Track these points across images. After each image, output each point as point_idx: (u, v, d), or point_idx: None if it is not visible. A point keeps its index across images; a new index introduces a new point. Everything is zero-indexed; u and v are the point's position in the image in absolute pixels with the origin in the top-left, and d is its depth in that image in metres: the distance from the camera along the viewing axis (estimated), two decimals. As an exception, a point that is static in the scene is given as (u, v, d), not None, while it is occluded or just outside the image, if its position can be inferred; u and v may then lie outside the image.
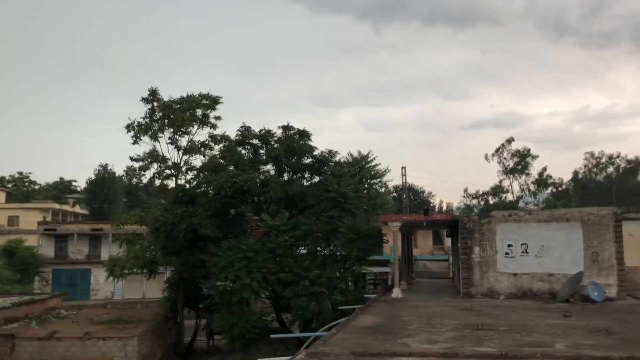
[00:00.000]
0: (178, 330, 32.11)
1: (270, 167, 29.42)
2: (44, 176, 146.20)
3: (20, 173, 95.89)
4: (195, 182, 30.54)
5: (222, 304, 25.38)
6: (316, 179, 29.70)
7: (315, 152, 29.21)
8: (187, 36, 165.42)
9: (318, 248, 26.37)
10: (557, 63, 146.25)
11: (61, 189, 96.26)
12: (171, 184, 32.50)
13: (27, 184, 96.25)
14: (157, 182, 32.98)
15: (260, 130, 29.31)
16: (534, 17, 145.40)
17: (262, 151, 29.41)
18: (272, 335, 21.02)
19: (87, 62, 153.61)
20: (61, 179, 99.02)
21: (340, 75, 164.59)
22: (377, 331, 12.93)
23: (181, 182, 32.38)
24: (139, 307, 41.74)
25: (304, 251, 26.96)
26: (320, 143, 30.21)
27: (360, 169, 34.66)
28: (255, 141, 29.35)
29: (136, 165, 32.68)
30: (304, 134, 29.24)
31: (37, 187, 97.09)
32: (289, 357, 10.44)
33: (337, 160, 30.16)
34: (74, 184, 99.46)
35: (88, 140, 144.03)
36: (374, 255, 28.25)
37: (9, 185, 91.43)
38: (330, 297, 23.84)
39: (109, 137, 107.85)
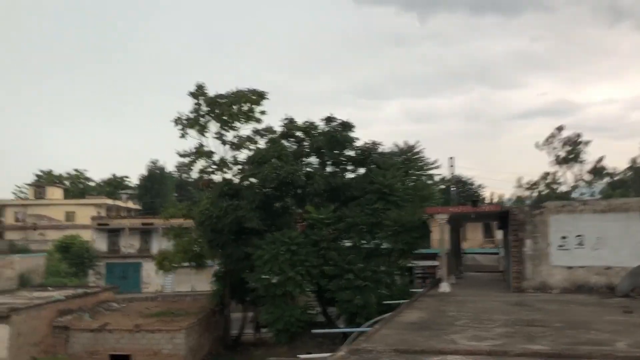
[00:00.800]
0: (225, 323, 32.39)
1: (313, 159, 29.16)
2: (98, 173, 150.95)
3: (76, 170, 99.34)
4: (240, 176, 30.60)
5: (267, 297, 25.37)
6: (360, 170, 29.26)
7: (359, 144, 28.76)
8: (231, 30, 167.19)
9: (362, 241, 25.95)
10: (612, 48, 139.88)
11: (114, 185, 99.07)
12: (217, 178, 32.70)
13: (82, 180, 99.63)
14: (204, 177, 33.24)
15: (304, 122, 29.10)
16: (587, 1, 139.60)
17: (305, 143, 29.16)
18: (313, 331, 20.78)
19: (137, 59, 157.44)
20: (114, 175, 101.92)
21: (384, 66, 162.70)
22: (422, 327, 12.44)
23: (227, 176, 32.55)
24: (188, 300, 42.38)
25: (348, 244, 26.58)
26: (364, 135, 29.86)
27: (408, 160, 33.97)
28: (299, 133, 29.14)
29: (183, 160, 33.01)
30: (347, 126, 28.82)
31: (91, 183, 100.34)
32: (330, 354, 10.11)
33: (383, 151, 29.60)
34: (126, 180, 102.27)
35: (140, 137, 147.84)
36: (420, 248, 27.58)
37: (66, 183, 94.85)
38: (375, 291, 23.41)
39: (160, 133, 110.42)
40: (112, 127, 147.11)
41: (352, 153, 28.84)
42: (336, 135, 28.00)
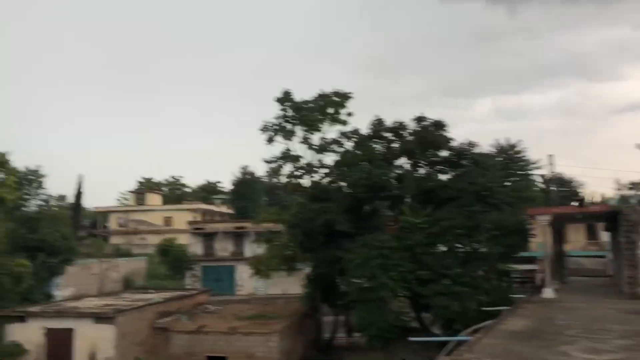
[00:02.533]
0: (317, 326, 32.37)
1: (404, 161, 28.43)
2: (193, 179, 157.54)
3: (173, 177, 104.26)
4: (329, 179, 30.52)
5: (359, 301, 24.98)
6: (454, 171, 28.22)
7: (452, 144, 27.73)
8: (315, 36, 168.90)
9: (459, 245, 24.95)
10: None
11: (208, 191, 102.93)
12: (305, 182, 32.86)
13: (179, 187, 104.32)
14: (292, 182, 33.54)
15: (393, 123, 28.47)
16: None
17: (394, 145, 28.50)
18: (411, 339, 20.14)
19: (226, 67, 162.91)
20: (208, 181, 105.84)
21: (473, 64, 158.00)
22: (529, 336, 11.58)
23: (315, 179, 32.60)
24: (280, 303, 42.86)
25: (444, 248, 25.65)
26: (455, 135, 28.55)
27: (509, 159, 32.29)
28: (387, 134, 28.54)
29: (269, 166, 33.51)
30: (439, 125, 27.87)
31: (187, 189, 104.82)
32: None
33: (479, 151, 28.32)
34: (219, 185, 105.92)
35: (232, 143, 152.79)
36: (520, 252, 26.15)
37: (164, 189, 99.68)
38: (473, 297, 22.39)
39: (250, 139, 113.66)
40: (206, 135, 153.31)
41: (445, 154, 27.86)
42: (428, 136, 27.15)
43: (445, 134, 27.78)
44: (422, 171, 28.28)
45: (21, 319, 25.17)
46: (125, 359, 24.84)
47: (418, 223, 25.04)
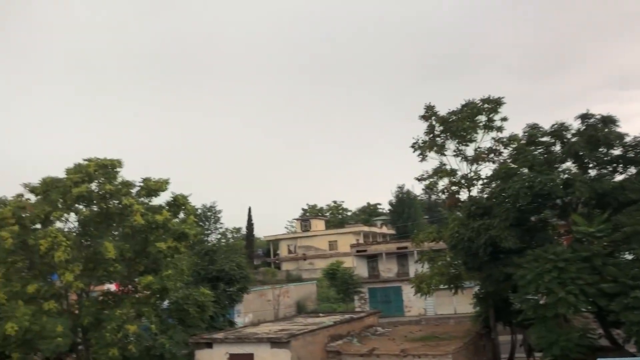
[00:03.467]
0: (493, 347, 30.75)
1: (569, 165, 26.06)
2: (353, 202, 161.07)
3: (334, 202, 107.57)
4: (487, 192, 29.08)
5: (537, 319, 23.20)
6: (632, 170, 25.24)
7: (627, 140, 24.90)
8: (463, 44, 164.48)
9: (647, 252, 22.12)
10: None
11: (369, 213, 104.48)
12: (463, 196, 31.68)
13: (340, 211, 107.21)
14: (447, 196, 32.54)
15: (552, 125, 26.32)
16: None
17: (555, 148, 26.23)
18: (600, 359, 18.15)
19: (373, 86, 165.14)
20: (368, 203, 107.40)
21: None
22: None
23: (472, 192, 31.31)
24: (451, 323, 41.61)
25: (629, 257, 22.92)
26: (629, 131, 25.48)
27: None
28: (546, 139, 26.42)
29: (423, 182, 32.87)
30: (609, 121, 25.16)
31: (348, 213, 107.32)
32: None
33: None
34: (379, 207, 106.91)
35: (388, 163, 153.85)
36: None
37: (327, 214, 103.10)
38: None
39: (405, 158, 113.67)
40: (363, 157, 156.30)
41: (618, 152, 25.08)
42: (596, 134, 24.69)
43: (616, 129, 25.04)
44: (592, 173, 25.71)
45: (208, 345, 27.32)
46: (302, 383, 25.67)
47: (593, 232, 22.72)
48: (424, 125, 32.21)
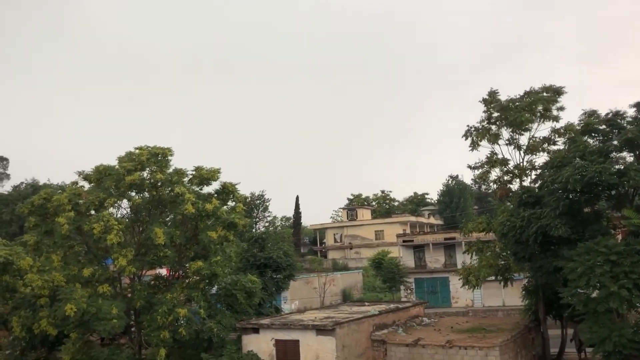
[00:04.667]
0: (543, 341, 30.11)
1: (625, 154, 25.03)
2: (401, 192, 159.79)
3: (382, 192, 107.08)
4: (539, 182, 28.37)
5: (588, 314, 22.58)
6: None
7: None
8: (517, 31, 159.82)
9: None
10: None
11: (416, 203, 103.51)
12: (515, 186, 31.02)
13: (387, 200, 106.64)
14: (499, 186, 31.90)
15: (607, 114, 25.35)
16: None
17: (611, 137, 25.23)
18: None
19: (426, 75, 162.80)
20: (415, 193, 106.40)
21: None
22: None
23: (525, 182, 30.61)
24: (500, 315, 40.99)
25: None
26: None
27: None
28: (602, 127, 25.45)
29: (475, 172, 32.30)
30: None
31: (395, 203, 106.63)
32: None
33: None
34: (427, 196, 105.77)
35: (437, 153, 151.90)
36: None
37: (374, 204, 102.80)
38: None
39: (456, 147, 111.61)
40: (410, 147, 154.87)
41: None
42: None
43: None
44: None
45: (255, 330, 27.89)
46: (347, 370, 25.90)
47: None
48: (475, 116, 31.84)
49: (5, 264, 24.30)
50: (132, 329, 28.13)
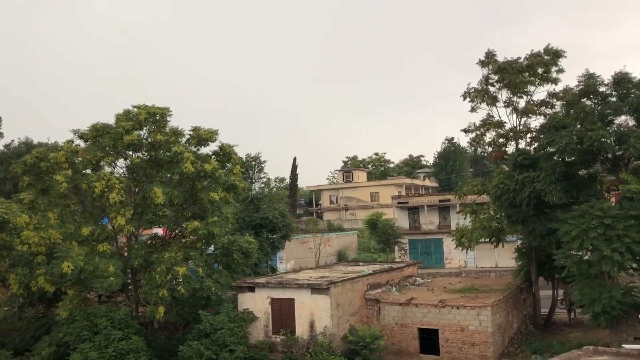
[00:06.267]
0: (534, 301, 30.69)
1: (626, 118, 24.79)
2: (396, 155, 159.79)
3: (376, 154, 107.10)
4: (535, 145, 28.34)
5: (580, 276, 22.95)
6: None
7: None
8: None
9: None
10: None
11: (411, 165, 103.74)
12: (510, 149, 30.99)
13: (383, 163, 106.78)
14: (494, 149, 31.83)
15: (614, 75, 24.62)
16: None
17: (612, 99, 24.89)
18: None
19: (424, 38, 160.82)
20: (410, 155, 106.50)
21: None
22: None
23: (521, 145, 30.58)
24: (492, 276, 41.59)
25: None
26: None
27: None
28: (602, 89, 25.11)
29: (470, 135, 32.17)
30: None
31: (391, 165, 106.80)
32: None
33: None
34: (422, 159, 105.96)
35: (433, 116, 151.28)
36: None
37: (369, 166, 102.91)
38: None
39: (453, 110, 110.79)
40: (406, 111, 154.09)
41: None
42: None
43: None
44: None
45: (251, 289, 28.24)
46: (340, 328, 26.39)
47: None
48: (473, 78, 31.44)
49: (1, 221, 24.30)
50: (130, 287, 28.46)
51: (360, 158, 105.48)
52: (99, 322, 24.67)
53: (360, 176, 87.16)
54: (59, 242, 24.63)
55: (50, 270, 24.01)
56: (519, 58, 30.17)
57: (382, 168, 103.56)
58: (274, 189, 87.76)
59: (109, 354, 23.64)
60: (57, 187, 24.97)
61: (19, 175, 26.76)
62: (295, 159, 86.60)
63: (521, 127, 30.83)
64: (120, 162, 27.56)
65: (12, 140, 69.52)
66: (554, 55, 29.74)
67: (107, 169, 26.84)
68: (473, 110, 31.51)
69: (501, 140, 31.31)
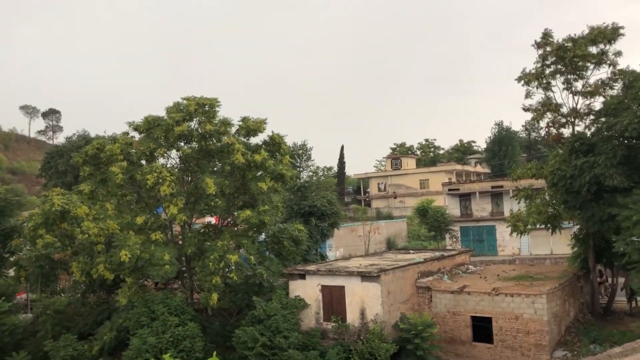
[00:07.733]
0: (592, 289, 29.71)
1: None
2: (446, 140, 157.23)
3: (426, 140, 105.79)
4: (593, 128, 27.23)
5: (640, 263, 22.07)
6: None
7: None
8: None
9: None
10: None
11: (462, 151, 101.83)
12: (567, 132, 29.87)
13: (432, 149, 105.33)
14: (552, 132, 30.70)
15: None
16: None
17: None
18: None
19: (471, 23, 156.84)
20: (461, 141, 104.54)
21: None
22: None
23: (579, 128, 29.44)
24: (547, 264, 40.48)
25: None
26: None
27: None
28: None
29: (528, 115, 31.14)
30: None
31: (441, 151, 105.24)
32: None
33: None
34: (474, 144, 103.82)
35: (485, 100, 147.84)
36: None
37: (418, 153, 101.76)
38: None
39: (505, 94, 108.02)
40: (456, 95, 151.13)
41: None
42: None
43: None
44: None
45: (301, 276, 28.48)
46: (391, 316, 26.29)
47: None
48: (526, 62, 30.29)
49: (63, 212, 25.35)
50: (184, 275, 29.22)
51: (408, 145, 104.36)
52: (156, 309, 25.43)
53: (409, 163, 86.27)
54: (116, 232, 25.49)
55: (109, 258, 24.91)
56: (577, 36, 28.85)
57: (432, 154, 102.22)
58: (322, 177, 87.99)
59: (167, 339, 24.33)
60: (113, 178, 25.83)
61: (80, 165, 27.89)
62: (342, 147, 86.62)
63: (581, 108, 29.58)
64: (173, 153, 28.25)
65: (73, 134, 72.43)
66: (612, 31, 28.35)
67: (161, 160, 27.58)
68: (528, 96, 30.46)
69: (558, 123, 30.19)
